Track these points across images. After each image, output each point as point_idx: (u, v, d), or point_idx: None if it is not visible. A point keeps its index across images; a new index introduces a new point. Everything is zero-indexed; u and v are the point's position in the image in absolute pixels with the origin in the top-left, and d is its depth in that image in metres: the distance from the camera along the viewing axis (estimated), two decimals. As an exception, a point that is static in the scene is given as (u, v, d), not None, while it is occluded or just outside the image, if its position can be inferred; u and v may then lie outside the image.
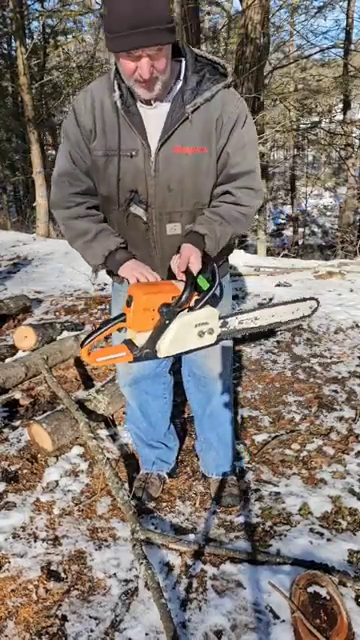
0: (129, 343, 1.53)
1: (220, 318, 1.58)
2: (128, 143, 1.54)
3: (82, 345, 1.54)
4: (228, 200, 1.61)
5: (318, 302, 1.87)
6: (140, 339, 1.52)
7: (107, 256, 1.63)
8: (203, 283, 1.54)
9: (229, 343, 1.92)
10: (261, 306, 1.78)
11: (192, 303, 1.51)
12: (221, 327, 1.61)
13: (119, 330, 1.57)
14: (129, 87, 1.49)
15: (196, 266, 1.51)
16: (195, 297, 1.52)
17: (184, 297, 1.47)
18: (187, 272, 1.51)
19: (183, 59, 1.55)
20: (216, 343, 1.62)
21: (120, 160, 1.55)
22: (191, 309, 1.51)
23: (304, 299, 1.85)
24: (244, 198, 1.61)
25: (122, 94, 1.52)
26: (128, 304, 1.49)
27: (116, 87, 1.52)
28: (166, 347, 1.51)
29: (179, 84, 1.53)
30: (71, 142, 1.62)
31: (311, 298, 1.87)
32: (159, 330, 1.49)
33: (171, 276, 1.60)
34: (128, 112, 1.52)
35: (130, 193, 1.58)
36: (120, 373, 2.02)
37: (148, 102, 1.51)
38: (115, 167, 1.56)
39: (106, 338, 1.75)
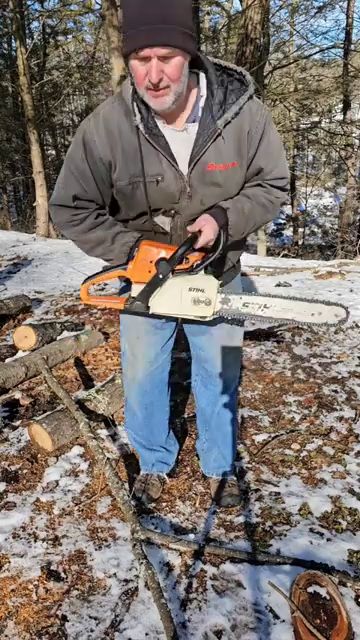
0: (129, 297, 1.57)
1: (221, 293, 1.56)
2: (153, 168, 1.47)
3: (83, 283, 1.62)
4: (259, 188, 1.63)
5: (347, 311, 1.60)
6: (136, 289, 1.54)
7: (129, 252, 1.61)
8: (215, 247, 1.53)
9: (239, 343, 1.91)
10: (275, 294, 1.61)
11: (193, 266, 1.51)
12: (221, 303, 1.56)
13: (120, 279, 1.60)
14: (148, 109, 1.42)
15: (208, 234, 1.48)
16: (198, 260, 1.51)
17: (178, 252, 1.47)
18: (193, 234, 1.50)
19: (202, 72, 1.48)
20: (213, 322, 1.59)
21: (146, 186, 1.49)
22: (190, 273, 1.50)
23: (330, 302, 1.58)
24: (274, 192, 1.64)
25: (143, 117, 1.44)
26: (131, 257, 1.55)
27: (136, 110, 1.43)
28: (157, 303, 1.53)
29: (201, 100, 1.46)
30: (74, 175, 1.54)
31: (339, 305, 1.59)
32: (152, 283, 1.51)
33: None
34: (152, 134, 1.45)
35: (157, 210, 1.56)
36: (126, 378, 2.01)
37: (168, 118, 1.45)
38: (142, 193, 1.51)
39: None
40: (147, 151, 1.46)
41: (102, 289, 4.91)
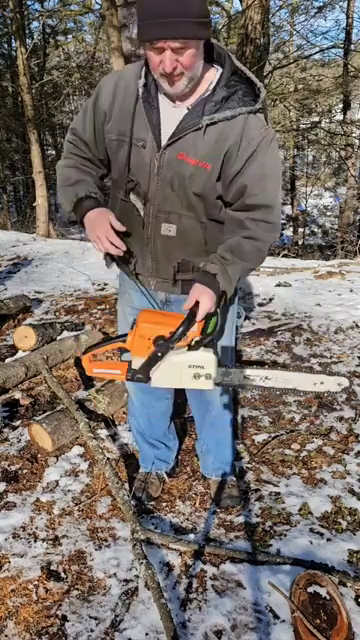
0: (129, 363, 1.56)
1: (222, 366, 1.56)
2: (140, 132, 1.52)
3: (84, 353, 1.61)
4: (242, 234, 1.53)
5: (351, 380, 1.62)
6: (136, 362, 1.54)
7: (75, 202, 1.59)
8: (212, 326, 1.52)
9: (229, 343, 1.90)
10: (275, 365, 1.63)
11: (192, 342, 1.49)
12: (223, 376, 1.58)
13: (119, 350, 1.59)
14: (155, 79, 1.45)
15: (206, 306, 1.46)
16: (197, 337, 1.49)
17: (177, 333, 1.45)
18: (191, 310, 1.47)
19: (219, 68, 1.48)
20: (217, 386, 1.59)
21: (131, 148, 1.53)
22: (190, 348, 1.50)
23: (332, 373, 1.61)
24: (259, 232, 1.53)
25: (147, 83, 1.49)
26: (132, 327, 1.53)
27: (143, 75, 1.48)
28: (157, 378, 1.53)
29: (207, 94, 1.47)
30: (81, 116, 1.63)
31: (342, 375, 1.61)
32: (152, 360, 1.50)
33: (166, 279, 1.61)
34: (147, 103, 1.50)
35: (131, 182, 1.56)
36: None
37: (172, 99, 1.48)
38: (125, 153, 1.54)
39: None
40: (139, 116, 1.51)
41: (102, 289, 4.91)
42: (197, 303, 1.46)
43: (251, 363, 3.33)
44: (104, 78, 1.59)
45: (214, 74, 1.49)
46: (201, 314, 1.46)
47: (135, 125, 1.51)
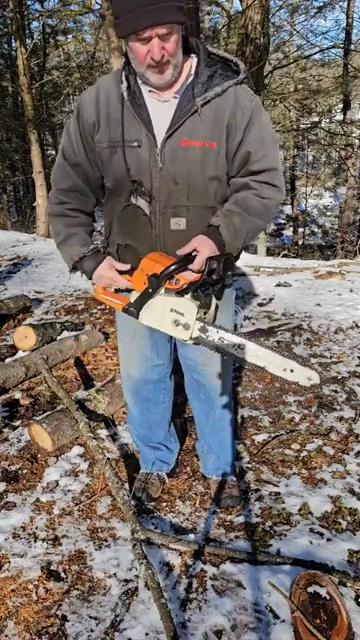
0: (129, 302, 1.63)
1: (201, 321, 1.55)
2: (132, 134, 1.52)
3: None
4: (249, 192, 1.57)
5: (320, 378, 1.54)
6: (134, 296, 1.60)
7: (74, 265, 1.70)
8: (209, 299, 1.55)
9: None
10: (251, 336, 1.62)
11: (183, 288, 1.51)
12: (200, 331, 1.56)
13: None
14: (140, 76, 1.47)
15: (204, 254, 1.47)
16: (186, 283, 1.50)
17: (167, 271, 1.48)
18: (186, 255, 1.50)
19: (195, 55, 1.53)
20: (195, 343, 1.59)
21: (125, 150, 1.54)
22: (179, 293, 1.51)
23: (304, 364, 1.53)
24: (265, 192, 1.57)
25: (129, 85, 1.51)
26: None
27: (124, 79, 1.51)
28: (144, 314, 1.59)
29: (190, 79, 1.51)
30: (69, 136, 1.63)
31: (313, 369, 1.53)
32: (144, 296, 1.55)
33: None
34: (134, 103, 1.51)
35: (133, 184, 1.56)
36: (122, 374, 2.03)
37: (159, 89, 1.49)
38: (121, 157, 1.55)
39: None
40: (128, 118, 1.53)
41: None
42: (197, 253, 1.49)
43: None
44: (82, 94, 1.62)
45: (192, 61, 1.54)
46: (197, 262, 1.48)
47: (126, 128, 1.53)
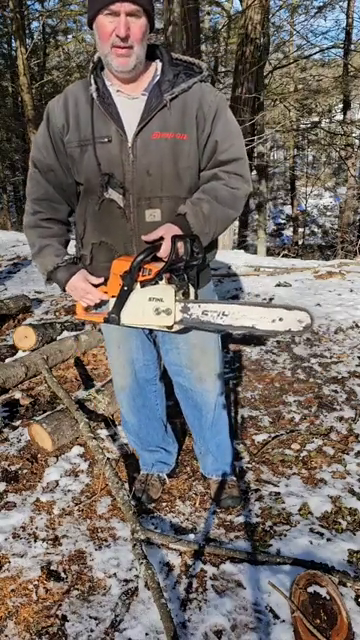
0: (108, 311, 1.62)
1: (179, 301, 1.54)
2: (102, 131, 1.57)
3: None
4: (217, 182, 1.63)
5: (311, 316, 1.44)
6: (112, 304, 1.58)
7: (49, 275, 1.72)
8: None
9: (215, 346, 1.87)
10: (232, 300, 1.60)
11: (155, 276, 1.50)
12: (181, 312, 1.55)
13: (105, 294, 1.65)
14: (105, 61, 1.53)
15: (169, 239, 1.48)
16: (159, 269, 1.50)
17: (134, 263, 1.48)
18: (152, 242, 1.51)
19: (159, 60, 1.62)
20: (180, 331, 1.58)
21: (95, 147, 1.57)
22: (154, 283, 1.51)
23: (290, 307, 1.46)
24: (233, 182, 1.62)
25: (98, 87, 1.57)
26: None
27: (92, 81, 1.58)
28: (124, 315, 1.57)
29: (157, 78, 1.59)
30: (38, 143, 1.68)
31: (301, 309, 1.45)
32: (121, 296, 1.54)
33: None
34: (103, 102, 1.57)
35: (104, 177, 1.58)
36: (115, 386, 2.04)
37: (125, 82, 1.56)
38: (92, 154, 1.58)
39: None
40: (98, 117, 1.57)
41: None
42: (162, 239, 1.51)
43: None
44: (50, 102, 1.67)
45: (157, 64, 1.62)
46: (164, 248, 1.50)
47: (96, 126, 1.57)
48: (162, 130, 1.55)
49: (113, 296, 1.58)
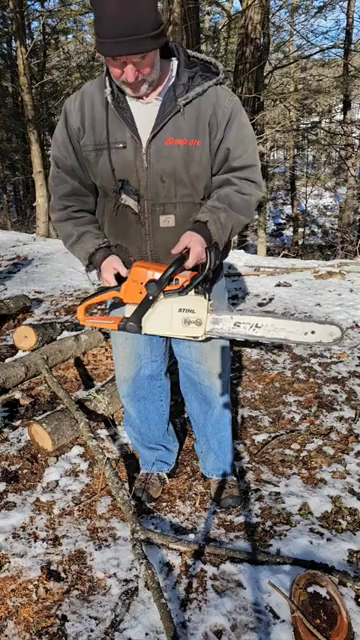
0: (123, 317, 1.59)
1: (212, 313, 1.55)
2: (117, 136, 1.57)
3: (80, 304, 1.66)
4: (230, 188, 1.62)
5: (342, 330, 1.52)
6: (129, 311, 1.56)
7: (89, 259, 1.70)
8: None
9: (225, 343, 1.90)
10: (266, 313, 1.61)
11: (184, 286, 1.50)
12: (212, 323, 1.56)
13: (114, 300, 1.63)
14: (119, 84, 1.51)
15: (196, 250, 1.49)
16: (188, 280, 1.50)
17: (167, 273, 1.47)
18: (181, 254, 1.50)
19: (175, 59, 1.58)
20: (207, 340, 1.58)
21: (110, 152, 1.57)
22: (181, 294, 1.50)
23: (324, 321, 1.54)
24: (246, 188, 1.62)
25: (113, 90, 1.55)
26: (126, 276, 1.57)
27: (107, 84, 1.56)
28: (148, 324, 1.55)
29: (171, 81, 1.56)
30: (57, 144, 1.67)
31: (333, 323, 1.53)
32: (144, 305, 1.52)
33: None
34: (118, 107, 1.55)
35: (119, 183, 1.59)
36: (118, 378, 2.02)
37: (139, 97, 1.54)
38: (106, 160, 1.58)
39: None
40: (113, 121, 1.57)
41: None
42: (188, 250, 1.50)
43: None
44: (67, 100, 1.65)
45: (172, 64, 1.58)
46: (192, 258, 1.50)
47: (111, 131, 1.56)
48: (175, 136, 1.54)
49: (126, 302, 1.56)
